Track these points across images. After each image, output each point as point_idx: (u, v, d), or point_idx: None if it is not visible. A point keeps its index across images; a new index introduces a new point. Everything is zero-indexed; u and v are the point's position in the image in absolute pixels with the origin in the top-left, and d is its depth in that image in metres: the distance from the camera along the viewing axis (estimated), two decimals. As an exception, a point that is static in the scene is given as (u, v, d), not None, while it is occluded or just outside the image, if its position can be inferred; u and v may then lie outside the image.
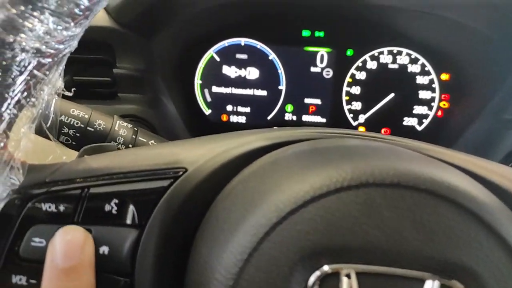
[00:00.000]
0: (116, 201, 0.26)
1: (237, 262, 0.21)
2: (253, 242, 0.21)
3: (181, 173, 0.28)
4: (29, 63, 0.26)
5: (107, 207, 0.26)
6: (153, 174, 0.27)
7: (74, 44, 0.30)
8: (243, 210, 0.23)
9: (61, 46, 0.28)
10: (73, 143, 0.41)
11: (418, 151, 0.29)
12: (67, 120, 0.40)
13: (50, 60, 0.28)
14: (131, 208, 0.26)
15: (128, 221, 0.26)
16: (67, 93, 0.33)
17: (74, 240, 0.24)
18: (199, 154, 0.29)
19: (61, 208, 0.26)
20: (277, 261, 0.21)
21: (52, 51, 0.28)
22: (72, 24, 0.28)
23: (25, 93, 0.27)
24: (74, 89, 0.34)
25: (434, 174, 0.22)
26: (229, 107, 0.72)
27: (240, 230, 0.22)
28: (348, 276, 0.20)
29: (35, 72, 0.27)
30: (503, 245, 0.21)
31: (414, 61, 0.68)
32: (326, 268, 0.21)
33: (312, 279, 0.21)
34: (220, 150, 0.30)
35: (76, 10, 0.28)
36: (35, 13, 0.26)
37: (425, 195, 0.21)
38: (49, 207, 0.26)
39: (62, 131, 0.40)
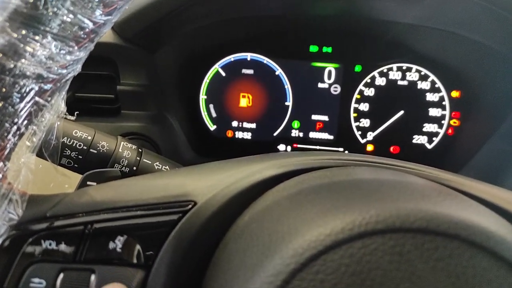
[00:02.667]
0: (121, 238, 0.24)
1: None
2: None
3: (190, 206, 0.26)
4: (30, 90, 0.25)
5: (111, 245, 0.24)
6: (160, 207, 0.26)
7: (78, 68, 0.28)
8: (259, 254, 0.21)
9: (64, 71, 0.27)
10: (75, 165, 0.39)
11: (441, 183, 0.28)
12: (69, 142, 0.39)
13: (52, 85, 0.26)
14: (137, 246, 0.24)
15: (134, 260, 0.24)
16: (69, 117, 0.32)
17: None
18: (209, 185, 0.28)
19: (63, 246, 0.24)
20: None
21: (54, 76, 0.26)
22: (76, 48, 0.27)
23: (26, 121, 0.25)
24: (77, 112, 0.32)
25: (466, 217, 0.21)
26: (235, 123, 0.71)
27: (256, 277, 0.20)
28: None
29: (37, 99, 0.26)
30: None
31: (424, 77, 0.67)
32: None
33: None
34: (231, 181, 0.28)
35: (81, 34, 0.27)
36: (37, 37, 0.25)
37: (458, 243, 0.20)
38: (50, 244, 0.24)
39: (64, 153, 0.38)
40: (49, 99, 0.26)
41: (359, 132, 0.70)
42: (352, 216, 0.21)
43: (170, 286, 0.24)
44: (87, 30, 0.27)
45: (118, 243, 0.24)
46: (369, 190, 0.24)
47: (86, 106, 0.56)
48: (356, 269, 0.19)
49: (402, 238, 0.20)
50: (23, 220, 0.24)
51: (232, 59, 0.69)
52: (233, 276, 0.22)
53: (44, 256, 0.24)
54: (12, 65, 0.24)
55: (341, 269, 0.19)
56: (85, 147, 0.39)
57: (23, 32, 0.24)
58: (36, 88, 0.25)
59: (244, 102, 0.70)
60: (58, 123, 0.29)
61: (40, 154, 0.32)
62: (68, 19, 0.25)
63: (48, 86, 0.26)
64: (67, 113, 0.31)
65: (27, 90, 0.25)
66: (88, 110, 0.55)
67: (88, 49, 0.27)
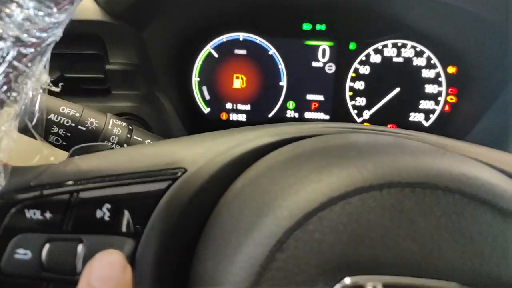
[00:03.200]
0: (109, 206, 0.23)
1: (248, 277, 0.18)
2: (264, 253, 0.19)
3: (180, 174, 0.25)
4: (7, 53, 0.24)
5: (98, 213, 0.23)
6: (149, 175, 0.25)
7: (59, 32, 0.27)
8: (252, 217, 0.20)
9: (44, 35, 0.25)
10: (64, 143, 0.38)
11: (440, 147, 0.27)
12: (56, 118, 0.37)
13: (32, 50, 0.25)
14: (126, 214, 0.23)
15: (123, 229, 0.23)
16: (54, 89, 0.30)
17: (114, 264, 0.21)
18: (200, 152, 0.26)
19: (48, 215, 0.23)
20: (293, 276, 0.18)
21: (33, 39, 0.25)
22: (55, 9, 0.25)
23: (5, 87, 0.24)
24: (62, 84, 0.31)
25: (467, 172, 0.20)
26: (229, 105, 0.70)
27: (249, 240, 0.19)
28: None
29: (15, 63, 0.24)
30: None
31: (419, 54, 0.66)
32: (347, 281, 0.18)
33: None
34: (223, 148, 0.27)
35: (60, -6, 0.25)
36: (13, -3, 0.23)
37: (460, 197, 0.19)
38: (34, 214, 0.23)
39: (52, 131, 0.37)
40: (29, 64, 0.25)
41: (355, 111, 0.69)
42: (349, 171, 0.20)
43: (160, 255, 0.23)
44: (66, -10, 0.25)
45: (106, 212, 0.23)
46: (366, 149, 0.23)
47: (75, 86, 0.54)
48: (355, 228, 0.18)
49: (402, 194, 0.19)
50: (6, 190, 0.23)
51: (224, 40, 0.68)
52: (226, 241, 0.21)
53: (28, 226, 0.23)
54: (-13, 27, 0.23)
55: (339, 228, 0.19)
56: (73, 124, 0.38)
57: (-1, -8, 0.23)
58: (15, 52, 0.24)
59: (237, 83, 0.69)
60: (41, 91, 0.28)
61: (24, 131, 0.31)
62: (46, -21, 0.24)
63: (27, 50, 0.25)
64: (51, 84, 0.29)
65: (4, 53, 0.24)
66: (77, 90, 0.54)
67: (68, 12, 0.26)
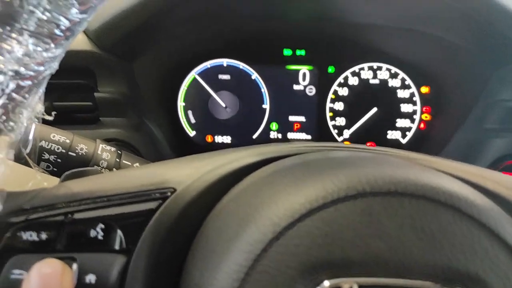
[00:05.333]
0: (102, 226, 0.25)
1: (233, 283, 0.20)
2: (249, 260, 0.20)
3: (169, 193, 0.27)
4: (7, 86, 0.25)
5: (92, 233, 0.25)
6: (139, 196, 0.26)
7: (55, 65, 0.29)
8: (236, 227, 0.22)
9: (41, 68, 0.27)
10: (54, 169, 0.39)
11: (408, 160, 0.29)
12: (47, 145, 0.39)
13: (29, 82, 0.27)
14: (118, 232, 0.25)
15: (116, 247, 0.25)
16: (47, 117, 0.32)
17: (52, 273, 0.22)
18: (188, 173, 0.28)
19: (43, 236, 0.24)
20: (276, 279, 0.20)
21: (31, 73, 0.27)
22: (52, 45, 0.27)
23: (4, 117, 0.26)
24: (55, 112, 0.33)
25: (431, 180, 0.22)
26: (214, 128, 0.72)
27: (234, 248, 0.21)
28: None
29: (14, 95, 0.26)
30: (507, 249, 0.20)
31: (394, 75, 0.70)
32: (326, 284, 0.20)
33: None
34: (209, 168, 0.29)
35: (56, 31, 0.27)
36: (13, 35, 0.25)
37: (424, 202, 0.21)
38: (30, 235, 0.24)
39: (43, 157, 0.38)
40: (27, 95, 0.27)
41: (336, 131, 0.72)
42: (325, 185, 0.22)
43: (151, 270, 0.25)
44: (63, 27, 0.27)
45: (99, 231, 0.25)
46: (340, 163, 0.25)
47: (65, 115, 0.56)
48: (328, 231, 0.20)
49: (372, 201, 0.21)
50: (2, 213, 0.25)
51: (209, 66, 0.71)
52: (210, 251, 0.23)
53: (24, 247, 0.24)
54: (-12, 62, 0.25)
55: (314, 232, 0.20)
56: (64, 150, 0.39)
57: (0, 30, 0.25)
58: (14, 85, 0.26)
59: (222, 107, 0.71)
60: (36, 121, 0.30)
61: (18, 158, 0.32)
62: (44, 17, 0.26)
63: (25, 83, 0.26)
64: (44, 113, 0.31)
65: (4, 86, 0.25)
66: (67, 119, 0.55)
67: (64, 47, 0.28)
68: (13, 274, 0.23)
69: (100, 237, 0.25)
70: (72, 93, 0.56)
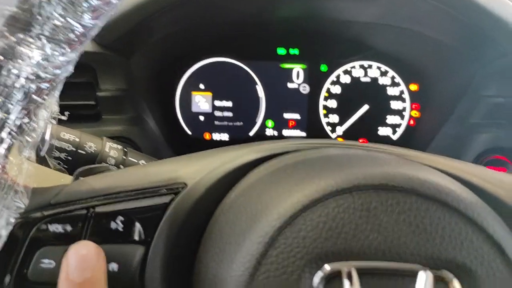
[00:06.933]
0: (122, 218, 0.27)
1: (246, 271, 0.23)
2: (260, 249, 0.23)
3: (181, 188, 0.29)
4: (29, 89, 0.27)
5: (113, 225, 0.27)
6: (155, 191, 0.29)
7: (70, 68, 0.31)
8: (248, 221, 0.25)
9: (58, 71, 0.29)
10: (65, 166, 0.41)
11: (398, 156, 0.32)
12: (58, 144, 0.40)
13: (48, 85, 0.29)
14: (137, 225, 0.27)
15: (135, 238, 0.27)
16: (62, 117, 0.34)
17: (88, 254, 0.24)
18: (197, 169, 0.31)
19: (68, 228, 0.26)
20: (284, 267, 0.22)
21: (50, 76, 0.28)
22: (68, 49, 0.29)
23: (26, 118, 0.28)
24: (68, 112, 0.34)
25: (423, 176, 0.25)
26: (211, 125, 0.74)
27: (246, 239, 0.24)
28: (350, 276, 0.22)
29: (35, 97, 0.28)
30: (491, 240, 0.23)
31: (384, 73, 0.72)
32: (327, 267, 0.22)
33: (316, 280, 0.22)
34: (217, 164, 0.31)
35: (72, 36, 0.29)
36: (32, 40, 0.27)
37: (416, 198, 0.24)
38: (56, 228, 0.26)
39: (54, 155, 0.40)
40: (46, 97, 0.29)
41: (329, 128, 0.74)
42: (325, 180, 0.24)
43: (168, 258, 0.27)
44: (77, 33, 0.29)
45: (119, 223, 0.27)
46: (339, 161, 0.28)
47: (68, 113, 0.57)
48: (332, 225, 0.23)
49: (369, 196, 0.24)
50: (29, 208, 0.26)
51: (205, 63, 0.72)
52: (225, 243, 0.25)
53: (51, 239, 0.26)
54: (11, 66, 0.26)
55: (319, 226, 0.23)
56: (73, 148, 0.41)
57: (20, 36, 0.27)
58: (34, 87, 0.28)
59: (218, 104, 0.73)
60: (53, 121, 0.31)
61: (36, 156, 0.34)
62: (60, 23, 0.28)
63: (44, 85, 0.28)
64: (59, 113, 0.33)
65: (27, 89, 0.27)
66: (70, 116, 0.57)
67: (78, 51, 0.30)
68: (43, 263, 0.26)
69: (120, 229, 0.27)
70: (74, 92, 0.57)
